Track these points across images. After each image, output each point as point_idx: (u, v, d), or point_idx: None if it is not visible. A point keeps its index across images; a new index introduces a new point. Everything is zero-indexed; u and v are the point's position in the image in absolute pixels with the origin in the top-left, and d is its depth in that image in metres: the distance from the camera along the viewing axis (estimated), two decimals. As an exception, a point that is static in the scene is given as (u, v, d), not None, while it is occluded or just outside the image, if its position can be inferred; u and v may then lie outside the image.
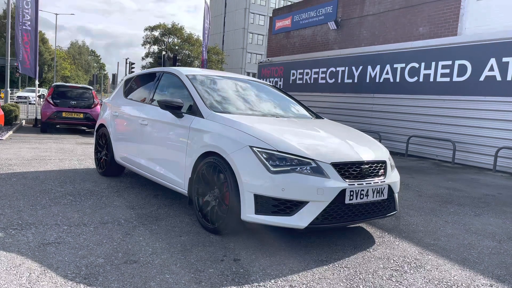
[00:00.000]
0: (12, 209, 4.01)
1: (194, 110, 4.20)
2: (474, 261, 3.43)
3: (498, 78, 8.79)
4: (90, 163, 6.92)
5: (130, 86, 5.95)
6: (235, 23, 66.15)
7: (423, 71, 10.39)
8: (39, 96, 15.53)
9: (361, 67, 12.21)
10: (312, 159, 3.34)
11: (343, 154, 3.53)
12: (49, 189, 4.93)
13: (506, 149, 8.61)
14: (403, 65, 10.90)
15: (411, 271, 3.13)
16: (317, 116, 5.06)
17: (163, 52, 39.59)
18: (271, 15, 23.26)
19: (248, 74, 59.41)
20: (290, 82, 15.16)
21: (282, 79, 15.66)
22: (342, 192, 3.29)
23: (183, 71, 4.85)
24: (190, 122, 4.09)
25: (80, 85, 13.71)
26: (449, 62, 9.77)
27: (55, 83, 13.40)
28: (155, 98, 5.02)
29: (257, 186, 3.27)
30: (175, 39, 56.24)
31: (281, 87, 15.35)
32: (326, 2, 18.56)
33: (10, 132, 10.65)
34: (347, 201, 3.32)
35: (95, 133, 6.36)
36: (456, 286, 2.93)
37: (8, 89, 15.43)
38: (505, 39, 8.73)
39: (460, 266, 3.30)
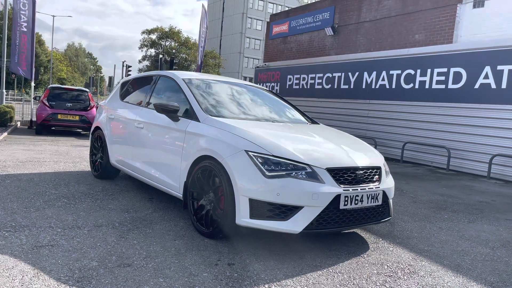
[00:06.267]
0: (6, 211, 3.98)
1: (190, 114, 4.20)
2: (467, 267, 3.44)
3: (493, 85, 8.86)
4: (85, 166, 6.90)
5: (127, 89, 5.95)
6: (232, 28, 66.33)
7: (418, 78, 10.45)
8: (35, 98, 15.45)
9: (357, 73, 12.27)
10: (307, 164, 3.35)
11: (338, 159, 3.54)
12: (43, 192, 4.91)
13: (501, 156, 8.67)
14: (399, 71, 10.97)
15: (405, 277, 3.14)
16: (313, 122, 5.08)
17: (160, 56, 39.59)
18: (268, 20, 23.36)
19: (245, 78, 59.53)
20: (287, 87, 15.21)
21: (278, 84, 15.71)
22: (337, 197, 3.30)
23: (180, 75, 4.86)
24: (186, 126, 4.10)
25: (76, 87, 13.68)
26: (445, 70, 9.84)
27: (51, 85, 13.36)
28: (151, 102, 5.02)
29: (252, 190, 3.27)
30: (172, 43, 56.27)
31: (278, 92, 15.39)
32: (323, 8, 18.67)
33: (5, 134, 10.60)
34: (341, 206, 3.33)
35: (90, 135, 6.34)
36: (449, 292, 2.94)
37: (4, 90, 15.36)
38: (500, 47, 8.81)
39: (454, 272, 3.31)
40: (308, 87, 14.20)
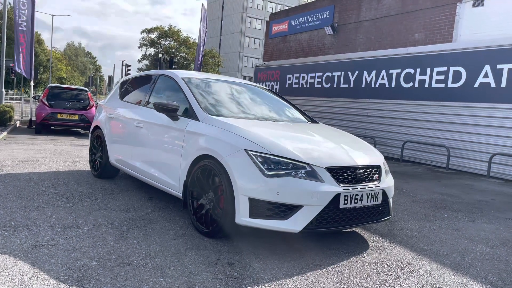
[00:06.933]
0: (5, 211, 3.98)
1: (189, 113, 4.20)
2: (467, 266, 3.44)
3: (493, 84, 8.86)
4: (85, 165, 6.89)
5: (126, 88, 5.94)
6: (232, 27, 66.29)
7: (418, 77, 10.45)
8: (34, 97, 15.44)
9: (357, 72, 12.26)
10: (307, 163, 3.34)
11: (338, 158, 3.54)
12: (42, 191, 4.90)
13: (500, 155, 8.67)
14: (399, 70, 10.96)
15: (405, 276, 3.14)
16: (313, 121, 5.07)
17: (160, 55, 39.56)
18: (268, 19, 23.34)
19: (245, 77, 59.50)
20: (286, 86, 15.20)
21: (278, 83, 15.70)
22: (337, 196, 3.30)
23: (179, 74, 4.86)
24: (186, 125, 4.09)
25: (75, 87, 13.67)
26: (444, 68, 9.83)
27: (50, 85, 13.34)
28: (150, 101, 5.01)
29: (252, 189, 3.27)
30: (172, 42, 56.24)
31: (277, 91, 15.37)
32: (323, 7, 18.66)
33: (4, 133, 10.58)
34: (341, 205, 3.33)
35: (90, 135, 6.34)
36: (449, 291, 2.94)
37: (3, 90, 15.34)
38: (499, 46, 8.80)
39: (453, 271, 3.31)
40: (308, 86, 14.19)
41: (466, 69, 9.37)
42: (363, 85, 12.03)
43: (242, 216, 3.30)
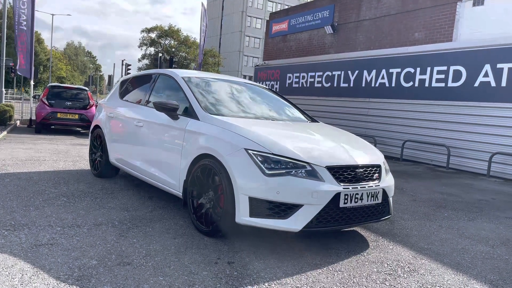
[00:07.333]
0: (5, 210, 3.98)
1: (189, 112, 4.20)
2: (467, 265, 3.44)
3: (493, 84, 8.86)
4: (85, 165, 6.89)
5: (126, 87, 5.94)
6: (232, 26, 66.28)
7: (418, 76, 10.45)
8: (34, 97, 15.45)
9: (357, 72, 12.26)
10: (307, 162, 3.34)
11: (338, 157, 3.54)
12: (42, 190, 4.90)
13: (500, 154, 8.66)
14: (399, 70, 10.96)
15: (405, 275, 3.14)
16: (313, 120, 5.07)
17: (160, 54, 39.56)
18: (268, 19, 23.33)
19: (245, 77, 59.49)
20: (286, 85, 15.19)
21: (278, 82, 15.70)
22: (337, 195, 3.30)
23: (179, 73, 4.85)
24: (186, 124, 4.09)
25: (75, 86, 13.67)
26: (444, 68, 9.83)
27: (50, 84, 13.35)
28: (150, 100, 5.01)
29: (252, 189, 3.27)
30: (172, 41, 56.24)
31: (277, 90, 15.37)
32: (323, 6, 18.64)
33: (4, 133, 10.58)
34: (341, 204, 3.32)
35: (90, 134, 6.34)
36: (449, 290, 2.94)
37: (3, 89, 15.34)
38: (499, 45, 8.80)
39: (454, 270, 3.31)
40: (308, 85, 14.19)
41: (466, 68, 9.37)
42: (363, 85, 12.03)
43: (242, 215, 3.30)
